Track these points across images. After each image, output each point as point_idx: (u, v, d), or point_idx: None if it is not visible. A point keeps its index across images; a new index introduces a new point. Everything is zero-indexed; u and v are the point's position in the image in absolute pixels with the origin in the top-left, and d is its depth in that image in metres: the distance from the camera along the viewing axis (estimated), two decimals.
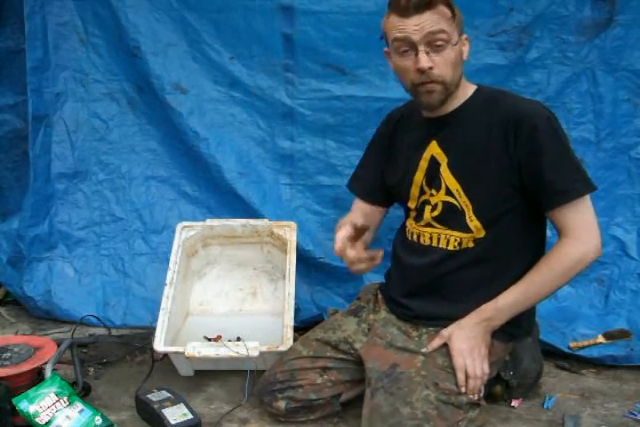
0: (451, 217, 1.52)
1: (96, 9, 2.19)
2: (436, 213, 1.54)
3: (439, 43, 1.38)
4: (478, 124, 1.47)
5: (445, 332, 1.49)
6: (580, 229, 1.43)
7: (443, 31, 1.38)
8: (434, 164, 1.53)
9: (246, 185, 2.18)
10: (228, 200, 2.22)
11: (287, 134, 2.18)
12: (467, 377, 1.43)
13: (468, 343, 1.45)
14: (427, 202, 1.56)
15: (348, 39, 2.05)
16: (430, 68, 1.39)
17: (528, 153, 1.41)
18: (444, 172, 1.51)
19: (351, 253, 1.45)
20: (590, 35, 2.01)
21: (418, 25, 1.37)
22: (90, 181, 2.29)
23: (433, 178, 1.54)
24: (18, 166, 2.36)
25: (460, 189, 1.49)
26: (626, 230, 2.09)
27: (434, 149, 1.53)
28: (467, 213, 1.49)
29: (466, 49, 1.48)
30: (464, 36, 1.47)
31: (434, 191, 1.54)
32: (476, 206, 1.48)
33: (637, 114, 2.05)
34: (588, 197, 1.44)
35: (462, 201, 1.49)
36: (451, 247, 1.52)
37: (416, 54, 1.39)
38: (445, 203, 1.52)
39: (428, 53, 1.39)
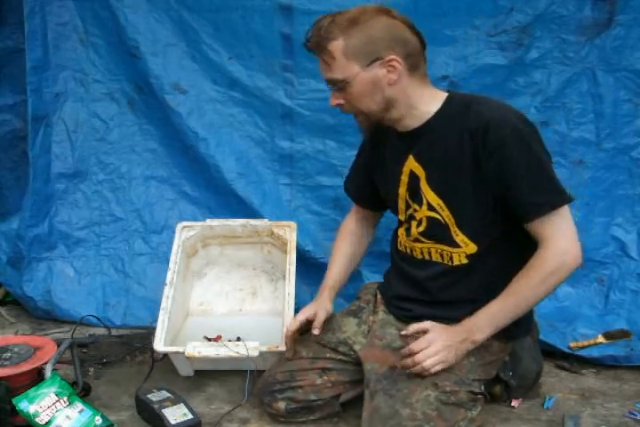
0: (437, 232, 1.50)
1: (96, 9, 2.19)
2: (421, 229, 1.53)
3: (338, 85, 1.43)
4: (450, 135, 1.43)
5: (430, 324, 1.46)
6: (556, 239, 1.39)
7: (332, 77, 1.42)
8: (414, 178, 1.51)
9: (246, 185, 2.18)
10: (227, 200, 2.22)
11: (286, 134, 2.18)
12: (413, 358, 1.39)
13: (442, 343, 1.40)
14: (412, 217, 1.55)
15: None
16: (339, 104, 1.47)
17: (497, 167, 1.38)
18: (424, 186, 1.49)
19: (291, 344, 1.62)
20: (590, 35, 2.01)
21: (320, 68, 1.45)
22: (90, 181, 2.29)
23: (415, 192, 1.52)
24: (18, 166, 2.37)
25: (442, 204, 1.47)
26: (626, 231, 2.09)
27: (411, 163, 1.51)
28: (451, 228, 1.48)
29: (392, 75, 1.39)
30: (386, 58, 1.38)
31: (417, 206, 1.53)
32: (460, 220, 1.46)
33: (638, 114, 2.05)
34: (565, 208, 1.40)
35: (445, 215, 1.48)
36: (446, 261, 1.51)
37: None
38: (429, 218, 1.50)
39: (336, 91, 1.45)
